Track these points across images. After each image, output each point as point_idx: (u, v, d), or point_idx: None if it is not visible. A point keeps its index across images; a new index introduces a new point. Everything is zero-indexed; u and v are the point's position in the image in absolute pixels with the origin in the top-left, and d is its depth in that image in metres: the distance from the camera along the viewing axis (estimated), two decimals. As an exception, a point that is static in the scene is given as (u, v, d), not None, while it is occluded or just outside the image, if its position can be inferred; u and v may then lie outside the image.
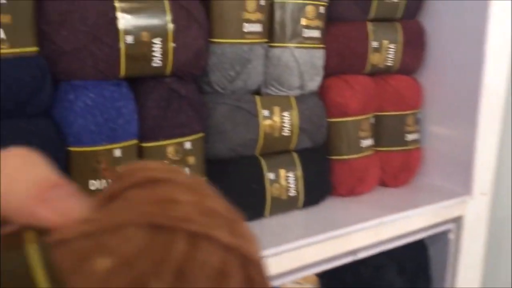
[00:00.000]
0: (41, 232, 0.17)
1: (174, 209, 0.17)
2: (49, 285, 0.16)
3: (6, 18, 0.50)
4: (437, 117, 0.85)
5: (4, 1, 0.50)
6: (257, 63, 0.69)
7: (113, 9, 0.55)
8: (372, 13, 0.78)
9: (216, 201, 0.19)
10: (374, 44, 0.78)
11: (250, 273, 0.18)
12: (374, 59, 0.79)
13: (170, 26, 0.59)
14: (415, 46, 0.82)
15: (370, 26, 0.78)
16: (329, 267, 0.69)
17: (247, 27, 0.67)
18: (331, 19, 0.76)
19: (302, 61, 0.72)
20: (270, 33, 0.71)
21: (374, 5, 0.77)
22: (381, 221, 0.70)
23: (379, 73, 0.82)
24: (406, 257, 0.82)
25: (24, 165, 0.18)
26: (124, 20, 0.56)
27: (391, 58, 0.80)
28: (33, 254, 0.16)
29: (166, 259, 0.16)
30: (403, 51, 0.81)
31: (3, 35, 0.50)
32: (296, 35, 0.71)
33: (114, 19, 0.55)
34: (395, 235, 0.73)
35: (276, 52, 0.71)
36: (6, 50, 0.50)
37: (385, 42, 0.79)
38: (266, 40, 0.70)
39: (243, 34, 0.67)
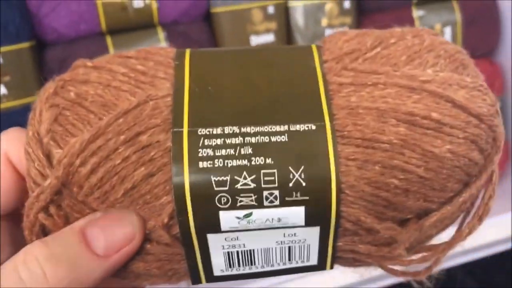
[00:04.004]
0: None
1: None
2: None
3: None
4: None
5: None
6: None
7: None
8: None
9: None
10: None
11: None
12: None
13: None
14: (482, 24, 0.71)
15: (415, 12, 0.69)
16: None
17: (255, 40, 0.60)
18: (368, 11, 0.67)
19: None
20: (289, 40, 0.63)
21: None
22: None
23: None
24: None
25: None
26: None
27: (448, 43, 0.69)
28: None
29: None
30: (464, 33, 0.69)
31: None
32: (317, 38, 0.62)
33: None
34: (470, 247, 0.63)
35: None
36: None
37: (438, 26, 0.70)
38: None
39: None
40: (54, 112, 0.21)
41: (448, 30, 0.70)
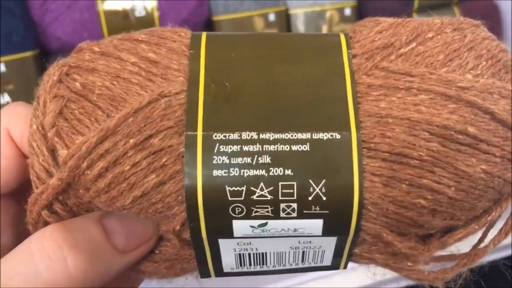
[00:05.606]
0: None
1: None
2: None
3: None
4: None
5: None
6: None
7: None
8: (416, 3, 0.68)
9: None
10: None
11: None
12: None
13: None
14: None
15: (416, 18, 0.68)
16: None
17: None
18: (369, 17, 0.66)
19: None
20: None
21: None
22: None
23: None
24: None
25: None
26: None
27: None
28: None
29: None
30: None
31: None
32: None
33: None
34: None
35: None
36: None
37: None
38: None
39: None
40: (59, 103, 0.20)
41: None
